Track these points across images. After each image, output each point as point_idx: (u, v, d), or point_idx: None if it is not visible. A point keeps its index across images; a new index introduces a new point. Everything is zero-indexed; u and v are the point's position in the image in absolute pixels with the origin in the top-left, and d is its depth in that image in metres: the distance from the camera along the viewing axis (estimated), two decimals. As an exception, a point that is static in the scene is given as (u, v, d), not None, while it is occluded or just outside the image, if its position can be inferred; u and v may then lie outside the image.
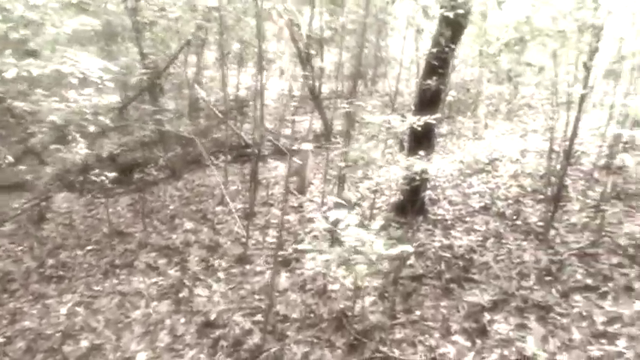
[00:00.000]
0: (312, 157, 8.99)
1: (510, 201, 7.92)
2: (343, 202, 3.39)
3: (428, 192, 8.33)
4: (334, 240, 4.84)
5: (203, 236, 7.86)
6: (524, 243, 6.41)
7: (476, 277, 5.65)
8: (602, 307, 4.61)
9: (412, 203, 7.56)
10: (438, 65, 6.04)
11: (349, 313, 5.22)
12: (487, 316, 4.78)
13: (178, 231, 8.23)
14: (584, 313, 4.54)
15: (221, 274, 6.75)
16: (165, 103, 11.44)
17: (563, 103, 7.69)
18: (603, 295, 4.78)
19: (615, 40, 6.78)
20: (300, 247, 6.33)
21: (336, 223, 3.83)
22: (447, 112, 12.89)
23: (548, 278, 5.22)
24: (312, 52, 12.29)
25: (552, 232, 6.31)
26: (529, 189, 8.32)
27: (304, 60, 11.63)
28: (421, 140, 6.65)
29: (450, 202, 8.14)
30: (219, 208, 8.72)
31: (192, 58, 12.12)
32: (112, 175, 7.53)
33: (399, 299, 5.34)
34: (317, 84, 12.97)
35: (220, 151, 11.40)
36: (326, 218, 3.78)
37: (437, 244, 6.69)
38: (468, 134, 12.33)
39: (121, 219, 9.35)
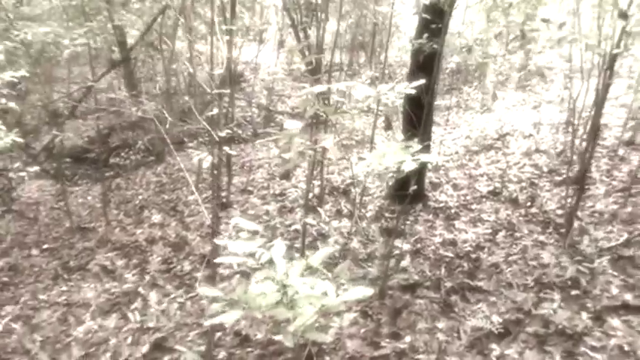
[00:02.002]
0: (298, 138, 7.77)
1: (524, 184, 6.67)
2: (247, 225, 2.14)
3: (428, 174, 7.10)
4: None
5: (170, 231, 6.71)
6: (542, 237, 5.19)
7: (483, 285, 4.45)
8: (649, 337, 3.39)
9: (409, 189, 6.35)
10: (431, 19, 4.75)
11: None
12: (496, 348, 3.58)
13: (144, 225, 7.09)
14: (626, 347, 3.32)
15: (183, 279, 5.61)
16: (141, 80, 10.22)
17: (587, 67, 6.40)
18: (649, 319, 3.56)
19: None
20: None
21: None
22: (452, 82, 11.59)
23: (574, 292, 3.98)
24: (307, 20, 11.05)
25: (575, 223, 5.07)
26: (545, 169, 7.07)
27: (299, 31, 10.40)
28: (416, 116, 5.41)
29: (455, 186, 6.90)
30: (192, 197, 7.54)
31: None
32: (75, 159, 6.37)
33: (385, 318, 4.15)
34: (314, 56, 11.76)
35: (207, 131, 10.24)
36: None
37: (437, 240, 5.49)
38: (475, 106, 11.02)
39: (87, 211, 8.21)
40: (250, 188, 7.57)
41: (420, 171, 6.32)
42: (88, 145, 10.38)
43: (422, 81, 2.76)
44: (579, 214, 5.33)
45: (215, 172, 5.17)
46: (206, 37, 12.68)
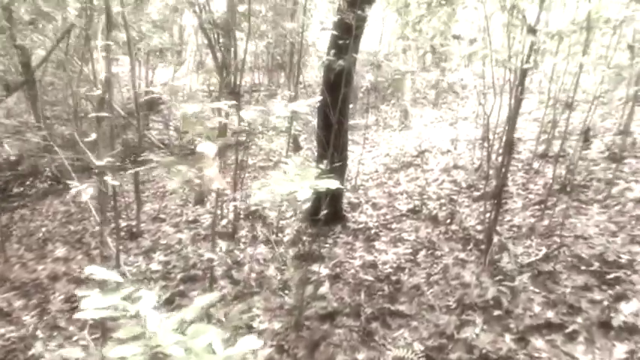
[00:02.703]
0: (212, 161, 7.37)
1: (443, 200, 6.56)
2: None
3: (347, 195, 6.89)
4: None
5: (75, 265, 6.16)
6: (463, 255, 5.04)
7: (404, 309, 4.21)
8: (573, 357, 3.22)
9: (327, 210, 6.11)
10: (340, 35, 4.54)
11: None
12: (419, 379, 3.34)
13: (47, 260, 6.49)
14: (551, 369, 3.14)
15: (87, 319, 5.10)
16: (47, 104, 9.56)
17: (499, 83, 6.40)
18: (572, 337, 3.40)
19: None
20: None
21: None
22: (369, 100, 11.52)
23: (497, 312, 3.80)
24: (222, 41, 10.72)
25: (495, 238, 4.94)
26: (463, 184, 7.01)
27: (216, 51, 10.04)
28: (327, 136, 5.18)
29: (374, 206, 6.71)
30: (97, 229, 6.99)
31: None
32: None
33: (302, 352, 3.83)
34: (232, 77, 11.43)
35: (124, 156, 9.69)
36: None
37: (357, 263, 5.24)
38: (393, 124, 10.98)
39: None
40: (163, 216, 7.11)
41: (337, 192, 6.09)
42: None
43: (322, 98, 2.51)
44: (498, 228, 5.22)
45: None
46: (118, 59, 12.16)
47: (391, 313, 4.17)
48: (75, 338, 4.82)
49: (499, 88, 6.37)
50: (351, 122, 11.06)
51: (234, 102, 2.50)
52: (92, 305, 1.65)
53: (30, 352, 4.74)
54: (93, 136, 3.14)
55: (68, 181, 3.17)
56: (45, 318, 5.28)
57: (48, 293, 5.74)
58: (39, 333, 5.02)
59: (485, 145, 6.60)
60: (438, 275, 4.68)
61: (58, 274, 6.06)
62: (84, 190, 2.84)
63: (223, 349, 1.73)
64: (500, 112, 6.97)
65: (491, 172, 6.26)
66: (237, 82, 11.96)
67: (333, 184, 2.04)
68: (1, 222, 7.22)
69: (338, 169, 5.89)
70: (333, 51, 4.74)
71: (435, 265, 4.92)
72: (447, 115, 10.97)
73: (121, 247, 6.23)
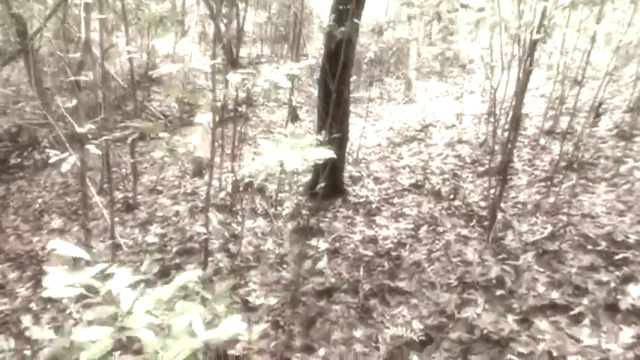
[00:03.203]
0: (207, 132, 7.13)
1: (446, 175, 6.39)
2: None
3: (348, 168, 6.72)
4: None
5: (71, 237, 6.03)
6: (466, 232, 4.89)
7: (404, 286, 4.07)
8: (577, 340, 3.08)
9: (327, 183, 5.95)
10: (342, 1, 4.31)
11: (230, 352, 3.57)
12: (417, 359, 3.20)
13: (43, 231, 6.37)
14: (555, 352, 2.99)
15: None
16: (47, 74, 9.33)
17: (507, 57, 6.20)
18: (577, 319, 3.25)
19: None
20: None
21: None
22: (372, 73, 11.28)
23: (499, 292, 3.64)
24: (225, 9, 10.46)
25: (499, 215, 4.79)
26: (468, 159, 6.83)
27: (218, 21, 9.79)
28: (327, 107, 4.99)
29: (376, 180, 6.54)
30: (96, 199, 6.85)
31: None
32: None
33: (298, 329, 3.70)
34: (234, 47, 11.19)
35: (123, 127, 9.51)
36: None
37: (357, 238, 5.10)
38: (398, 97, 10.75)
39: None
40: (160, 187, 6.95)
41: (337, 165, 5.92)
42: None
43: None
44: (502, 205, 5.06)
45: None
46: (119, 27, 11.90)
47: (390, 290, 4.03)
48: (68, 311, 4.71)
49: (507, 61, 6.15)
50: (354, 95, 10.84)
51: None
52: (57, 283, 1.50)
53: (22, 326, 4.65)
54: (74, 102, 2.96)
55: (54, 152, 3.00)
56: (38, 290, 5.17)
57: (43, 265, 5.62)
58: (32, 305, 4.92)
59: (492, 119, 6.43)
60: (440, 252, 4.53)
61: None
62: (65, 161, 2.68)
63: (204, 330, 1.59)
64: (508, 86, 6.77)
65: (496, 147, 6.09)
66: (238, 53, 11.76)
67: (326, 153, 1.88)
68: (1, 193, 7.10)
69: (337, 141, 5.68)
70: (333, 16, 4.51)
71: (436, 242, 4.77)
72: (453, 88, 10.74)
73: (116, 219, 6.12)
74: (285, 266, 4.68)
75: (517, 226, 4.64)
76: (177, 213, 6.07)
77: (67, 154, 2.81)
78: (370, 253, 4.70)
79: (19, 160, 8.57)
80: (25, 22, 8.65)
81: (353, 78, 10.27)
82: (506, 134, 5.47)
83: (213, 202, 6.13)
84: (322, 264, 4.60)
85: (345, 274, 4.35)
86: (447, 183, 6.13)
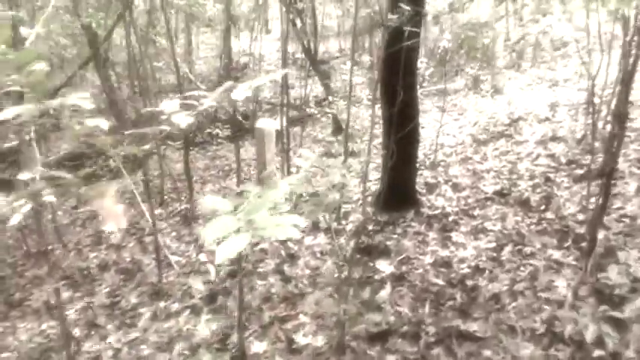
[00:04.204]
0: (272, 138, 6.54)
1: (537, 180, 5.47)
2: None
3: (424, 173, 5.95)
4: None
5: (126, 254, 5.69)
6: (558, 254, 4.02)
7: (477, 329, 3.29)
8: None
9: (397, 192, 5.22)
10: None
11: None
12: None
13: (102, 247, 6.07)
14: None
15: (126, 316, 4.59)
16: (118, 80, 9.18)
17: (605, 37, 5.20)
18: None
19: None
20: None
21: None
22: (461, 62, 10.32)
23: (597, 353, 2.77)
24: (301, 4, 9.91)
25: (600, 233, 3.86)
26: (563, 159, 5.85)
27: (294, 15, 9.25)
28: (395, 108, 4.26)
29: (455, 187, 5.72)
30: (157, 212, 6.48)
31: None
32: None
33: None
34: (312, 43, 10.65)
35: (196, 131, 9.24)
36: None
37: (428, 260, 4.35)
38: (485, 87, 9.74)
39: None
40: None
41: (407, 171, 5.19)
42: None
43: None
44: (605, 220, 4.12)
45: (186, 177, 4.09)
46: (185, 30, 11.65)
47: (459, 335, 3.27)
48: (109, 340, 4.31)
49: (606, 42, 5.14)
50: (437, 87, 9.96)
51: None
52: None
53: (64, 353, 4.31)
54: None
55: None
56: (87, 313, 4.84)
57: (95, 284, 5.31)
58: (77, 331, 4.57)
59: (590, 110, 5.45)
60: (525, 283, 3.70)
61: (108, 263, 5.61)
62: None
63: None
64: (609, 71, 5.74)
65: (597, 144, 5.11)
66: (316, 49, 11.18)
67: (298, 220, 1.22)
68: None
69: (407, 148, 4.97)
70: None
71: (521, 268, 3.94)
72: (546, 75, 9.58)
73: (173, 234, 5.71)
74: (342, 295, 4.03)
75: (623, 250, 3.72)
76: (234, 227, 5.57)
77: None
78: (441, 282, 3.94)
79: (93, 168, 8.43)
80: (95, 31, 8.50)
81: (430, 70, 9.42)
82: (608, 128, 4.50)
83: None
84: (383, 294, 3.91)
85: (407, 310, 3.62)
86: (538, 190, 5.21)
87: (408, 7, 3.26)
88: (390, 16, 3.48)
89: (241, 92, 2.01)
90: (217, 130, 7.94)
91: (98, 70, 8.65)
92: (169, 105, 1.85)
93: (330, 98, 7.79)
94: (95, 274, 5.47)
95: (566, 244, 4.16)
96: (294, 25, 9.40)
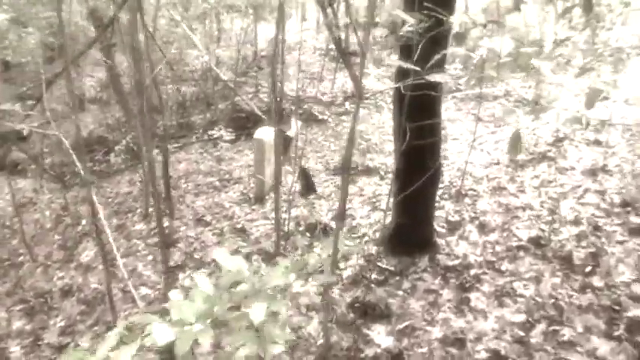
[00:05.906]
0: (269, 150, 5.54)
1: (583, 227, 4.42)
2: None
3: (447, 206, 4.97)
4: None
5: (94, 278, 4.88)
6: (605, 348, 3.03)
7: None
8: None
9: (409, 232, 4.26)
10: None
11: None
12: None
13: (71, 265, 5.27)
14: None
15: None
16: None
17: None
18: None
19: None
20: None
21: None
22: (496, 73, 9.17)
23: None
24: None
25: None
26: (616, 199, 4.77)
27: (324, 4, 8.32)
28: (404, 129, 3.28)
29: (482, 228, 4.70)
30: (138, 227, 5.62)
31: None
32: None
33: None
34: (342, 34, 9.72)
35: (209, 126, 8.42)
36: None
37: (437, 334, 3.41)
38: (524, 99, 8.60)
39: (36, 231, 6.44)
40: (209, 217, 5.53)
41: (423, 207, 4.22)
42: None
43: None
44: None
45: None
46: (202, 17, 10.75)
47: None
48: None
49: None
50: (472, 91, 8.87)
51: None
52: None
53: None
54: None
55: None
56: (31, 356, 4.06)
57: (52, 314, 4.52)
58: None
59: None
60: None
61: (72, 289, 4.82)
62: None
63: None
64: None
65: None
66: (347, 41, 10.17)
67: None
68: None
69: (425, 184, 3.99)
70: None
71: (556, 365, 2.97)
72: (597, 86, 8.41)
73: (150, 257, 4.90)
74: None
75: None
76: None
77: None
78: (449, 374, 3.01)
79: (92, 164, 7.66)
80: (100, 16, 7.72)
81: (464, 79, 8.31)
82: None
83: (261, 247, 4.67)
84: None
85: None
86: (583, 243, 4.18)
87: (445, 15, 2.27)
88: (405, 21, 2.48)
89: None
90: (222, 132, 7.05)
91: (106, 56, 7.87)
92: None
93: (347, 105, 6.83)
94: (55, 301, 4.68)
95: (616, 330, 3.17)
96: (325, 15, 8.48)
